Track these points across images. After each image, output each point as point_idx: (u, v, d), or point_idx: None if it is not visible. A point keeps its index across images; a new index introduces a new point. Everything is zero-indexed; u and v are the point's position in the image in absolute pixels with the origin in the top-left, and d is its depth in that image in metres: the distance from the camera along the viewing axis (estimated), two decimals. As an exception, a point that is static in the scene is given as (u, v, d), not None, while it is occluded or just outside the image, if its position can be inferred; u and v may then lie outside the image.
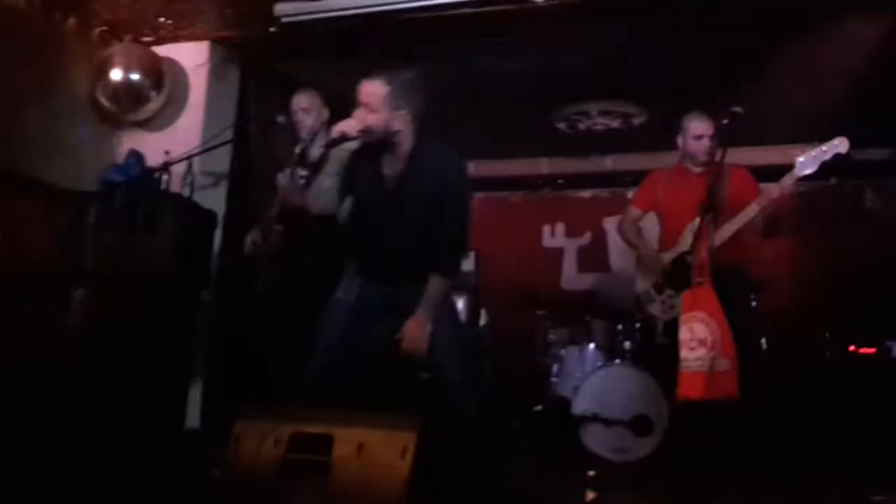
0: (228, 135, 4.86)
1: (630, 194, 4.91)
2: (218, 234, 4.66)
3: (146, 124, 4.99)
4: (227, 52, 5.13)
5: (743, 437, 4.01)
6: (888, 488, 3.47)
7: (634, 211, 4.45)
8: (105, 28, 4.91)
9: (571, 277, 7.44)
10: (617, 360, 5.04)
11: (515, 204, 7.78)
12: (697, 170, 4.15)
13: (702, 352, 3.49)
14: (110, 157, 4.89)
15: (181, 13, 4.74)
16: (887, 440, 4.28)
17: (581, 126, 6.34)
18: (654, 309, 4.24)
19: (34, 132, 4.49)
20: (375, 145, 3.13)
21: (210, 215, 4.54)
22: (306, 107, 4.07)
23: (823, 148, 3.75)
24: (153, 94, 4.82)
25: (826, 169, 3.78)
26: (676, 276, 4.00)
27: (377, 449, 2.46)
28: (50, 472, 3.17)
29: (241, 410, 2.68)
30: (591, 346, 5.34)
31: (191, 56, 5.05)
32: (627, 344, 5.12)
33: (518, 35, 4.70)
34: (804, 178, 3.80)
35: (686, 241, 3.92)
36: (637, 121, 6.21)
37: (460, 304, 5.50)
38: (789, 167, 3.83)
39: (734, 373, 3.46)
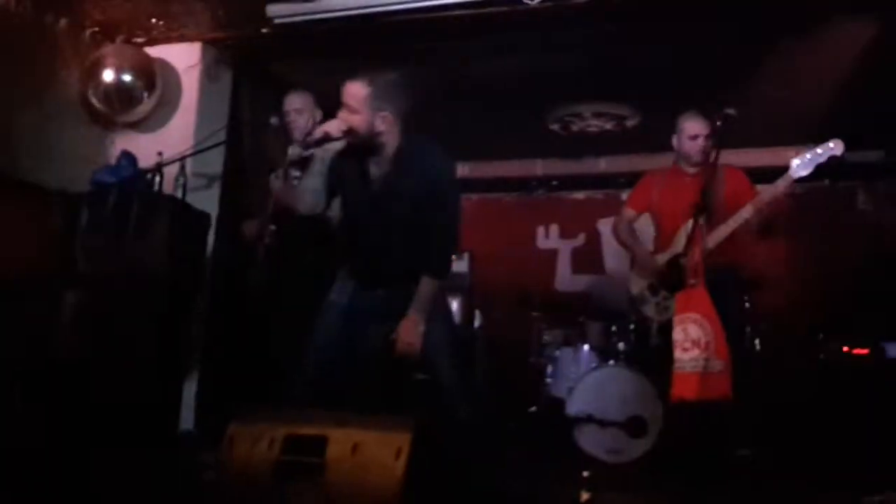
0: (221, 136, 4.85)
1: (624, 196, 4.92)
2: (211, 236, 4.64)
3: (138, 125, 4.98)
4: (219, 54, 5.12)
5: (737, 437, 4.02)
6: (882, 489, 3.47)
7: (629, 212, 4.45)
8: (97, 29, 4.90)
9: (566, 279, 7.45)
10: (611, 362, 5.04)
11: (509, 205, 7.80)
12: (692, 171, 4.15)
13: (696, 353, 3.50)
14: (102, 159, 4.87)
15: (173, 14, 4.73)
16: (881, 441, 4.29)
17: (574, 128, 6.35)
18: (649, 310, 4.25)
19: (25, 133, 4.47)
20: (360, 146, 3.13)
21: (203, 216, 4.53)
22: (299, 108, 4.07)
23: (818, 150, 3.76)
24: (145, 95, 4.80)
25: (819, 171, 3.79)
26: (671, 278, 4.00)
27: (371, 450, 2.45)
28: (43, 473, 3.15)
29: (234, 412, 2.66)
30: (586, 347, 5.33)
31: (183, 57, 5.03)
32: (622, 345, 5.11)
33: (511, 36, 4.70)
34: (799, 180, 3.81)
35: (680, 243, 3.92)
36: (630, 122, 6.23)
37: (454, 305, 5.50)
38: (782, 169, 3.85)
39: (728, 374, 3.46)
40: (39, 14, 4.59)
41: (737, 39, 4.63)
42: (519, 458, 4.47)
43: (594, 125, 6.26)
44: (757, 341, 5.09)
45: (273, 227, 3.76)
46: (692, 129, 4.11)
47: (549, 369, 5.40)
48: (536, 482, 4.01)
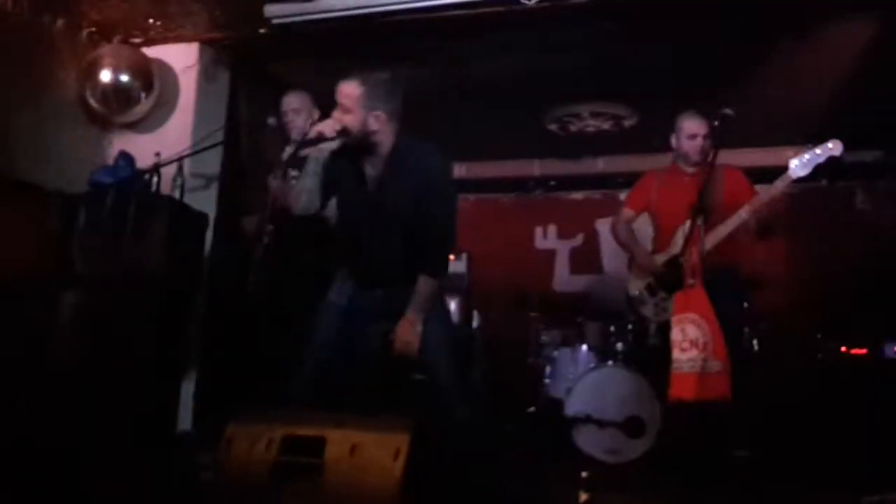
0: (219, 136, 4.84)
1: (622, 196, 4.91)
2: (209, 236, 4.63)
3: (136, 126, 4.97)
4: (216, 54, 5.11)
5: (735, 438, 4.02)
6: (882, 490, 3.47)
7: (627, 212, 4.45)
8: (94, 29, 4.89)
9: (564, 279, 7.46)
10: (610, 362, 5.04)
11: (507, 206, 7.80)
12: (691, 170, 4.15)
13: (693, 353, 3.49)
14: (100, 159, 4.86)
15: (170, 15, 4.73)
16: (880, 441, 4.28)
17: (572, 128, 6.35)
18: (647, 311, 4.25)
19: (23, 134, 4.46)
20: (354, 146, 3.13)
21: (201, 217, 4.52)
22: (297, 108, 4.07)
23: (818, 151, 3.75)
24: (143, 95, 4.79)
25: (817, 170, 3.78)
26: (669, 279, 3.99)
27: (370, 451, 2.45)
28: (42, 474, 3.15)
29: (232, 412, 2.66)
30: (584, 347, 5.33)
31: (180, 57, 5.03)
32: (620, 345, 5.11)
33: (508, 36, 4.70)
34: (797, 181, 3.81)
35: (678, 244, 3.91)
36: (628, 123, 6.23)
37: (452, 305, 5.49)
38: (781, 169, 3.84)
39: (726, 374, 3.46)
40: (36, 14, 4.58)
41: (737, 39, 4.63)
42: (517, 459, 4.47)
43: (592, 125, 6.26)
44: (755, 341, 5.08)
45: (271, 227, 3.75)
46: (691, 129, 4.11)
47: (548, 370, 5.40)
48: (535, 482, 4.01)
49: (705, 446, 3.81)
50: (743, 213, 3.85)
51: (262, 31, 4.60)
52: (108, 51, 4.79)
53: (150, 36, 4.95)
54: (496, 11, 4.22)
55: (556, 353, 5.40)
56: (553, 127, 6.38)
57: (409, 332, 3.06)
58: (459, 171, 7.20)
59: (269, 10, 4.44)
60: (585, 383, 4.90)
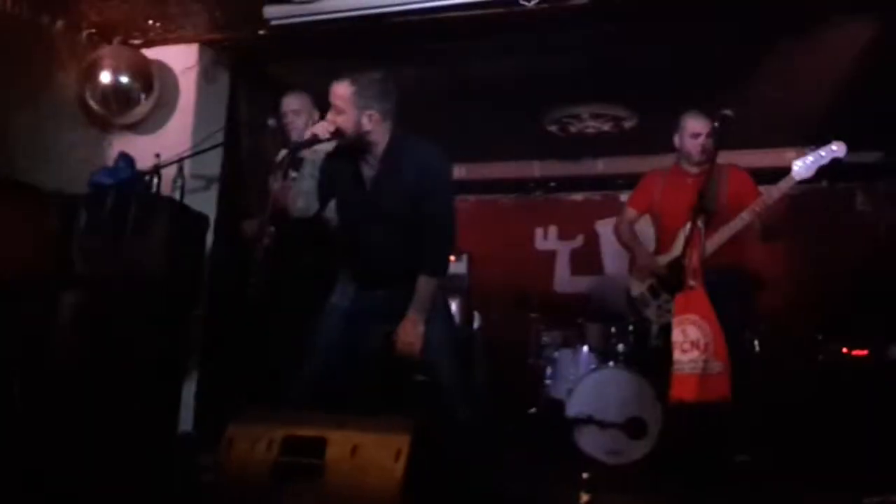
0: (219, 137, 4.84)
1: (622, 197, 4.91)
2: (209, 237, 4.63)
3: (136, 127, 4.97)
4: (216, 55, 5.10)
5: (736, 439, 4.01)
6: (882, 491, 3.47)
7: (631, 212, 4.43)
8: (93, 31, 4.88)
9: (564, 280, 7.46)
10: (611, 363, 5.04)
11: (507, 207, 7.80)
12: (694, 170, 4.12)
13: (694, 354, 3.49)
14: (100, 160, 4.86)
15: (170, 16, 4.72)
16: (881, 442, 4.28)
17: (572, 129, 6.35)
18: (650, 313, 4.24)
19: (22, 134, 4.46)
20: (350, 146, 3.13)
21: (201, 218, 4.51)
22: (296, 109, 4.06)
23: (822, 152, 3.72)
24: (142, 96, 4.79)
25: (818, 172, 3.77)
26: (672, 280, 3.97)
27: (371, 452, 2.44)
28: (42, 475, 3.14)
29: (233, 413, 2.65)
30: (585, 348, 5.33)
31: (180, 59, 5.02)
32: (621, 346, 5.10)
33: (508, 38, 4.70)
34: (801, 182, 3.79)
35: (680, 245, 3.89)
36: (628, 124, 6.22)
37: (453, 306, 5.48)
38: (779, 170, 3.83)
39: (726, 375, 3.45)
40: (36, 15, 4.58)
41: (736, 40, 4.63)
42: (518, 460, 4.47)
43: (592, 126, 6.26)
44: (756, 342, 5.08)
45: (272, 229, 3.75)
46: (694, 127, 4.09)
47: (549, 371, 5.39)
48: (536, 483, 4.01)
49: (706, 447, 3.81)
50: (745, 216, 3.83)
51: (261, 32, 4.59)
52: (107, 52, 4.79)
53: (150, 37, 4.94)
54: (495, 13, 4.21)
55: (556, 354, 5.40)
56: (553, 128, 6.38)
57: (410, 332, 3.05)
58: (460, 172, 7.19)
59: (269, 11, 4.44)
60: (586, 384, 4.90)
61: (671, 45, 4.75)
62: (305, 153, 3.22)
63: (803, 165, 3.73)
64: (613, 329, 5.21)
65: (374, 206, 3.13)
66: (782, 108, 5.56)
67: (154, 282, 4.05)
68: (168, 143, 4.75)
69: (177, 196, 4.47)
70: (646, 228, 4.39)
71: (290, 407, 2.96)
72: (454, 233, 3.21)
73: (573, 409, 4.83)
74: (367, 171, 3.16)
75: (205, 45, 5.02)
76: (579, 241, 7.48)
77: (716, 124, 3.80)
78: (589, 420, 4.76)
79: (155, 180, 4.45)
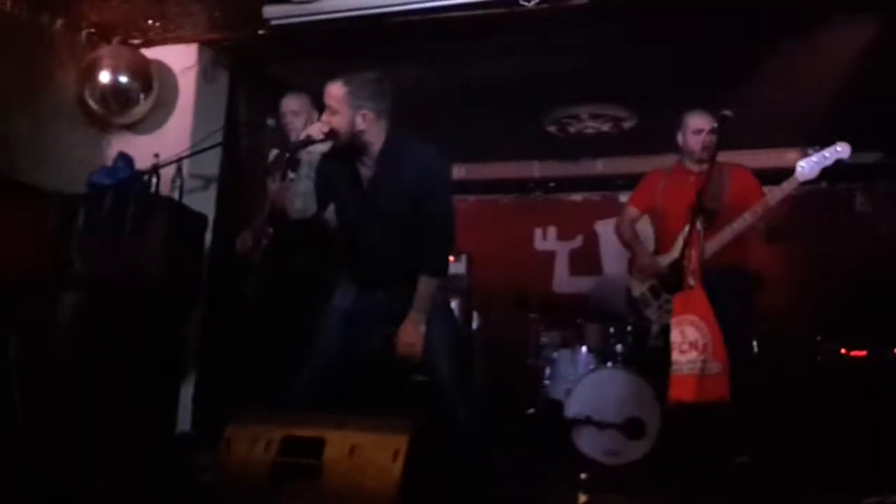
0: (218, 137, 4.83)
1: (622, 197, 4.90)
2: (208, 237, 4.63)
3: (135, 127, 4.97)
4: (215, 55, 5.11)
5: (735, 440, 4.00)
6: (882, 491, 3.47)
7: (632, 211, 4.41)
8: (93, 30, 4.89)
9: (563, 280, 7.45)
10: (609, 363, 5.03)
11: (507, 207, 7.79)
12: (697, 169, 4.09)
13: (693, 355, 3.47)
14: (99, 160, 4.86)
15: (170, 16, 4.72)
16: (880, 443, 4.28)
17: (572, 129, 6.34)
18: (651, 313, 4.22)
19: (22, 134, 4.46)
20: (345, 147, 3.12)
21: (200, 218, 4.52)
22: (296, 109, 4.06)
23: (826, 153, 3.69)
24: (142, 96, 4.80)
25: (820, 173, 3.76)
26: (673, 281, 3.95)
27: (369, 452, 2.44)
28: (41, 475, 3.14)
29: (231, 414, 2.65)
30: (584, 349, 5.33)
31: (179, 58, 5.02)
32: (620, 347, 5.10)
33: (508, 38, 4.69)
34: (804, 183, 3.77)
35: (680, 245, 3.88)
36: (627, 124, 6.22)
37: (453, 306, 5.48)
38: (779, 170, 3.82)
39: (725, 376, 3.44)
40: (36, 15, 4.58)
41: (736, 40, 4.63)
42: (517, 460, 4.46)
43: (591, 127, 6.26)
44: (755, 343, 5.08)
45: (271, 230, 3.76)
46: (697, 124, 4.07)
47: (547, 371, 5.39)
48: (534, 484, 4.00)
49: (705, 448, 3.81)
50: (748, 216, 3.80)
51: (261, 32, 4.60)
52: (107, 52, 4.80)
53: (150, 37, 4.95)
54: (496, 13, 4.21)
55: (555, 355, 5.40)
56: (552, 128, 6.38)
57: (412, 333, 3.05)
58: (460, 172, 7.20)
59: (269, 11, 4.44)
60: (585, 385, 4.90)
61: (672, 45, 4.75)
62: (302, 154, 3.22)
63: (807, 166, 3.70)
64: (612, 329, 5.21)
65: (372, 207, 3.12)
66: (783, 109, 5.56)
67: (153, 281, 4.06)
68: (167, 143, 4.75)
69: (175, 196, 4.48)
70: (646, 228, 4.39)
71: (289, 407, 2.95)
72: (454, 233, 3.20)
73: (572, 409, 4.82)
74: (365, 172, 3.16)
75: (204, 45, 5.02)
76: (578, 241, 7.47)
77: (715, 125, 3.78)
78: (587, 420, 4.76)
79: (154, 180, 4.45)
